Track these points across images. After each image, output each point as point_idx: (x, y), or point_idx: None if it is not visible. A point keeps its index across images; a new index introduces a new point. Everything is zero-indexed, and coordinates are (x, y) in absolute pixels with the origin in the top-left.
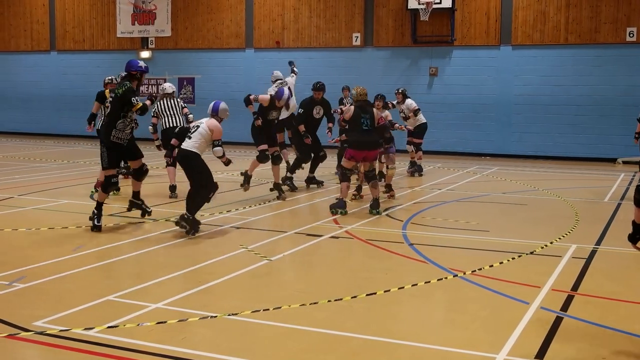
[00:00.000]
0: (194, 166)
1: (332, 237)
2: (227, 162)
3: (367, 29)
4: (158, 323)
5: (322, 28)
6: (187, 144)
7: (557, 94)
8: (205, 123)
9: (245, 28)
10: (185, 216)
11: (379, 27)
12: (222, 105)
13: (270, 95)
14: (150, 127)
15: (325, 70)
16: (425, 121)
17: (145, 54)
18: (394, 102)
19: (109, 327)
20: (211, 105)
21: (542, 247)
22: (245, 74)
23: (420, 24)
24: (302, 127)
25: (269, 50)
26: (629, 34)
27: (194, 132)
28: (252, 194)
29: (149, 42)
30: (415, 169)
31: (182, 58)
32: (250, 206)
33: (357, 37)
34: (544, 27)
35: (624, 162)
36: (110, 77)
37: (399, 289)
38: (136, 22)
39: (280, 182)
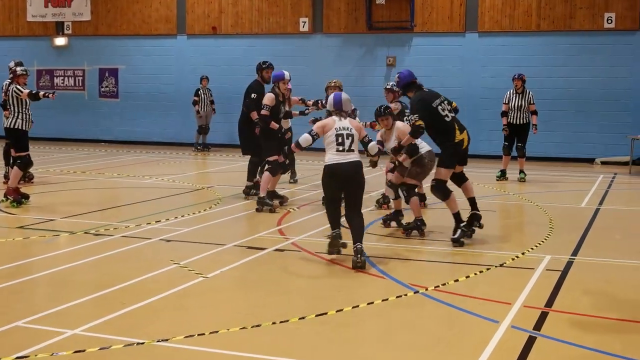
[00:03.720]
0: (362, 177)
1: (277, 250)
2: (375, 164)
3: (316, 13)
4: (75, 352)
5: (264, 12)
6: (349, 156)
7: (528, 87)
8: (350, 124)
9: (176, 12)
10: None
11: (329, 12)
12: (344, 96)
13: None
14: None
15: (269, 60)
16: None
17: (60, 40)
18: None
19: (17, 357)
20: (332, 100)
21: (512, 259)
22: (177, 64)
23: (376, 8)
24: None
25: (204, 37)
26: (607, 19)
27: (350, 142)
28: (184, 201)
29: (65, 28)
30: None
31: (103, 46)
32: (182, 216)
33: (305, 22)
34: (514, 12)
35: (603, 163)
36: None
37: (352, 308)
38: (50, 4)
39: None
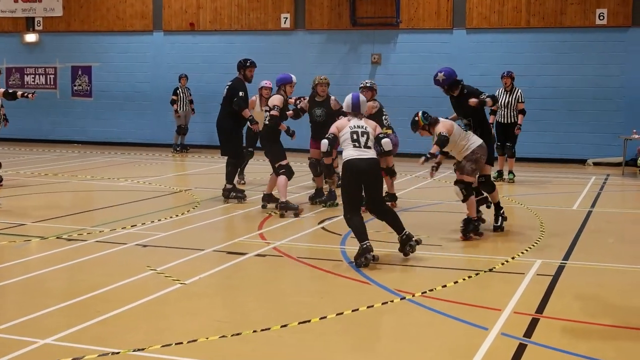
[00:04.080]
0: (380, 173)
1: (258, 255)
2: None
3: (298, 8)
4: None
5: (244, 7)
6: (366, 153)
7: (518, 85)
8: (366, 123)
9: (152, 7)
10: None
11: (311, 7)
12: (362, 98)
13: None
14: None
15: (249, 57)
16: None
17: (30, 37)
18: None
19: None
20: (350, 101)
21: (502, 264)
22: (153, 62)
23: (360, 4)
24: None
25: (181, 34)
26: (599, 16)
27: (365, 139)
28: (161, 204)
29: (36, 23)
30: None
31: (76, 42)
32: (159, 220)
33: (287, 18)
34: (503, 8)
35: (595, 164)
36: None
37: (337, 315)
38: None
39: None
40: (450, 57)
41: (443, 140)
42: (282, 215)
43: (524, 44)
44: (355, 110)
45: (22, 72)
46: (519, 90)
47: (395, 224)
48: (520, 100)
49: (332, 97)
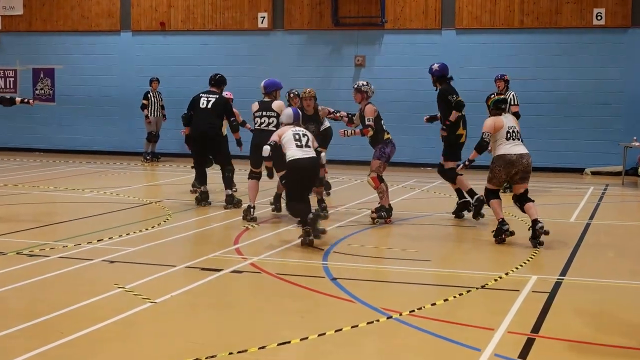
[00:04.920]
0: (318, 171)
1: (234, 271)
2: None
3: (276, 7)
4: None
5: (218, 6)
6: (309, 152)
7: (511, 89)
8: (304, 130)
9: (120, 5)
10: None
11: (290, 6)
12: (299, 111)
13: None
14: None
15: (224, 60)
16: (329, 125)
17: None
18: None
19: None
20: (290, 114)
21: (495, 280)
22: (121, 64)
23: (342, 2)
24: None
25: (151, 34)
26: (597, 16)
27: (306, 140)
28: (130, 217)
29: None
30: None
31: (37, 43)
32: (127, 234)
33: (264, 17)
34: (495, 7)
35: (593, 173)
36: None
37: (318, 336)
38: None
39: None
40: (438, 59)
41: (483, 147)
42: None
43: (517, 45)
44: (296, 121)
45: None
46: (512, 93)
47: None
48: (513, 103)
49: (320, 108)
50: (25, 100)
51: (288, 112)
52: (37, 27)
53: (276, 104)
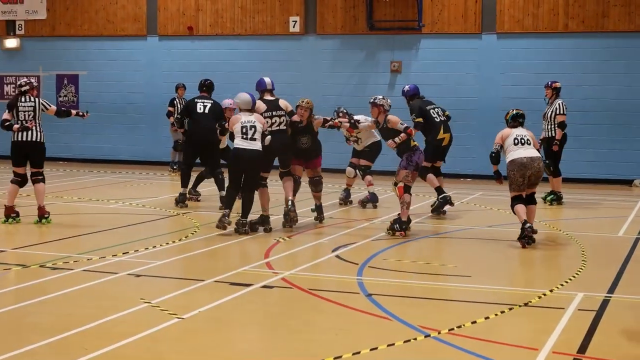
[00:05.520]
0: (260, 164)
1: (265, 286)
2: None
3: (308, 11)
4: None
5: (248, 10)
6: (252, 144)
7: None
8: (255, 118)
9: (146, 9)
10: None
11: (323, 9)
12: (256, 99)
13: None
14: None
15: (254, 65)
16: (380, 139)
17: (11, 42)
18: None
19: None
20: (247, 100)
21: (539, 297)
22: (147, 70)
23: (378, 5)
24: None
25: (178, 39)
26: None
27: (252, 133)
28: (157, 229)
29: (17, 27)
30: (368, 199)
31: (61, 48)
32: (154, 246)
33: (296, 22)
34: (538, 11)
35: None
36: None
37: (353, 354)
38: None
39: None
40: (478, 64)
41: (493, 158)
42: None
43: (562, 50)
44: (251, 108)
45: (2, 80)
46: (560, 102)
47: (246, 207)
48: (558, 112)
49: (315, 118)
50: (80, 113)
51: (246, 97)
52: (60, 32)
53: (283, 103)
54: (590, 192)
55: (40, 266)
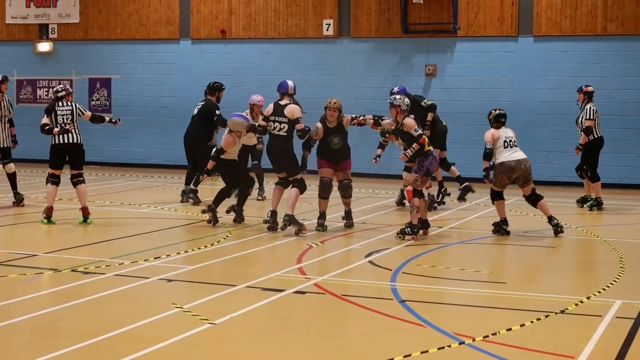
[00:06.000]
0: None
1: (297, 292)
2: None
3: (342, 14)
4: None
5: (282, 13)
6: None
7: (594, 101)
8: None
9: (179, 12)
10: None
11: (358, 12)
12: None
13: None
14: None
15: (287, 69)
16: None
17: (44, 46)
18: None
19: None
20: (240, 123)
21: (576, 304)
22: (180, 73)
23: (412, 8)
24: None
25: (211, 42)
26: None
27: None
28: (188, 234)
29: (50, 31)
30: (432, 200)
31: (93, 52)
32: (185, 251)
33: (329, 25)
34: (576, 13)
35: None
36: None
37: None
38: (32, 3)
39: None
40: (515, 68)
41: (487, 155)
42: (283, 228)
43: (600, 53)
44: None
45: (34, 84)
46: (589, 106)
47: (220, 197)
48: (586, 117)
49: (343, 117)
50: (113, 120)
51: (238, 121)
52: (93, 36)
53: (288, 110)
54: (629, 198)
55: (72, 270)
